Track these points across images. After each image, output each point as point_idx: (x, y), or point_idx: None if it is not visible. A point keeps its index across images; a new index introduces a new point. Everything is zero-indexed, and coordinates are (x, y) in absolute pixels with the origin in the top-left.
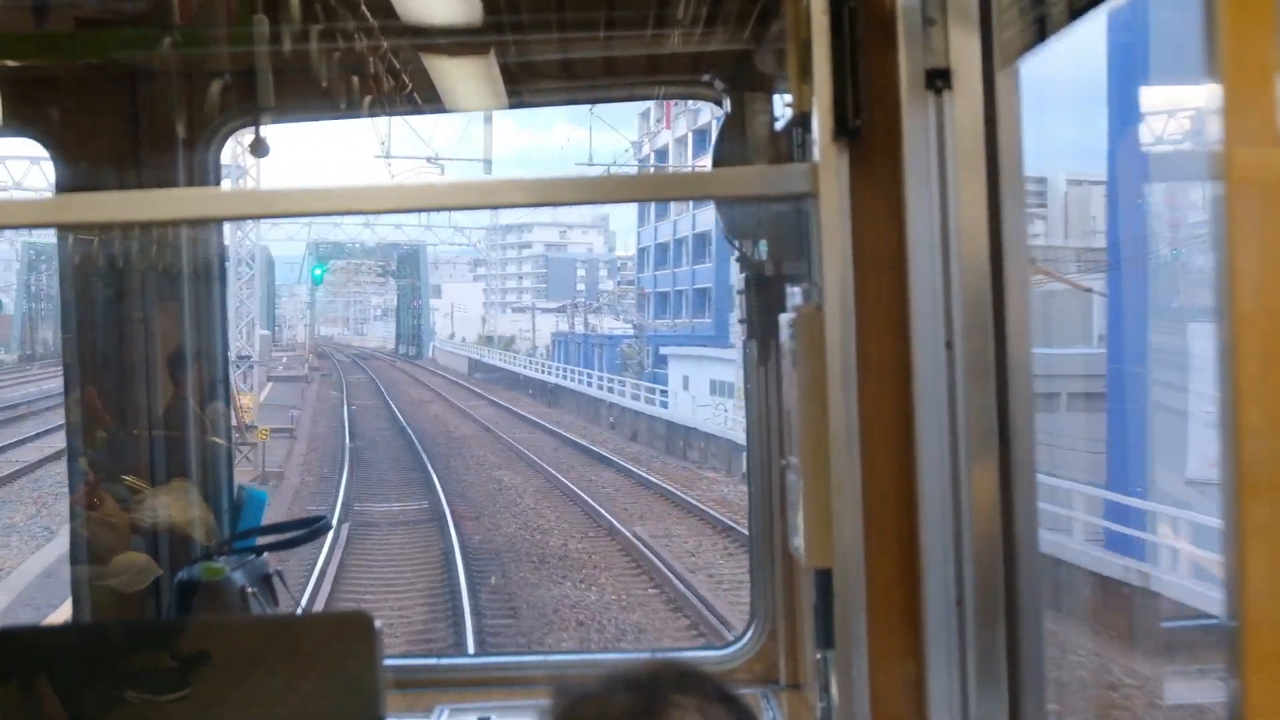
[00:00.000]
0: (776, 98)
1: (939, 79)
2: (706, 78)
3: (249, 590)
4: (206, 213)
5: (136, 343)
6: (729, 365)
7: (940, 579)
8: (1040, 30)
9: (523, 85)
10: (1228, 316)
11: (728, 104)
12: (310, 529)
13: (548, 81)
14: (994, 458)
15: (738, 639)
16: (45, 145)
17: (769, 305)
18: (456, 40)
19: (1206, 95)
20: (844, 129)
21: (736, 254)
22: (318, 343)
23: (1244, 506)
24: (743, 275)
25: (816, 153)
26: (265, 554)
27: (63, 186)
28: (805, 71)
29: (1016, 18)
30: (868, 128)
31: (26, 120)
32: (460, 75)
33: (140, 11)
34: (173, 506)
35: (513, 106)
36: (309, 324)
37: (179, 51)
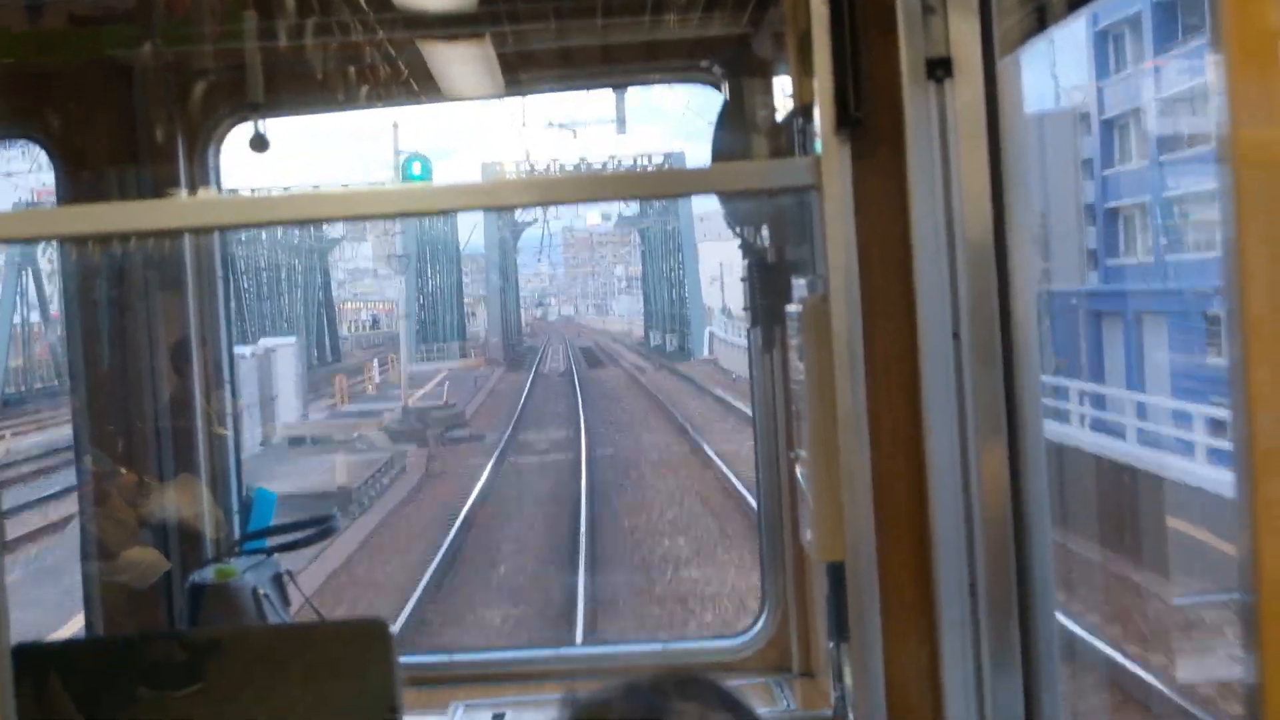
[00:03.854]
0: (776, 83)
1: (940, 68)
2: (705, 63)
3: (261, 591)
4: (207, 221)
5: (139, 333)
6: None
7: (953, 568)
8: (1040, 19)
9: (520, 72)
10: (1239, 312)
11: (726, 89)
12: (320, 528)
13: (545, 68)
14: (1003, 446)
15: (750, 628)
16: (43, 145)
17: (774, 291)
18: (453, 29)
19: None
20: (846, 120)
21: (739, 240)
22: (537, 329)
23: (1258, 484)
24: (745, 261)
25: (818, 145)
26: (276, 554)
27: (61, 186)
28: (805, 62)
29: (1016, 6)
30: (869, 118)
31: (23, 121)
32: (457, 63)
33: (134, 8)
34: (180, 501)
35: (510, 94)
36: (503, 305)
37: (175, 48)
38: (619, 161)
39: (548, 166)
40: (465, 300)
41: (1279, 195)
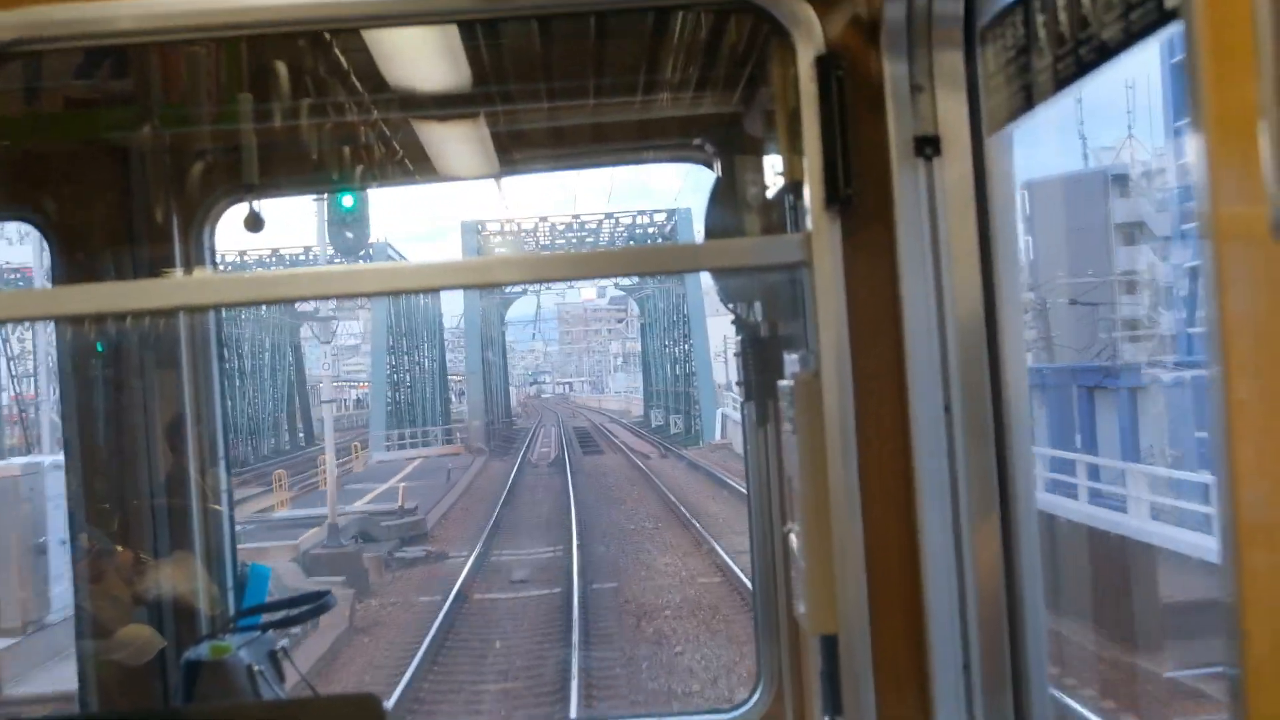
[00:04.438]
0: (767, 160)
1: (928, 146)
2: (697, 141)
3: (256, 668)
4: (201, 300)
5: (134, 411)
6: None
7: (947, 644)
8: (1028, 97)
9: (513, 152)
10: (1222, 391)
11: (718, 166)
12: (315, 605)
13: (538, 148)
14: (996, 520)
15: (745, 700)
16: (38, 226)
17: (767, 366)
18: (446, 110)
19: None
20: (835, 197)
21: (732, 317)
22: (530, 408)
23: (1242, 556)
24: (739, 337)
25: (809, 221)
26: (271, 630)
27: (57, 266)
28: (795, 140)
29: (1003, 85)
30: (859, 196)
31: (18, 202)
32: (451, 143)
33: (129, 91)
34: (175, 578)
35: (504, 174)
36: (486, 383)
37: (171, 130)
38: (615, 220)
39: (535, 225)
40: (453, 377)
41: (1261, 273)
